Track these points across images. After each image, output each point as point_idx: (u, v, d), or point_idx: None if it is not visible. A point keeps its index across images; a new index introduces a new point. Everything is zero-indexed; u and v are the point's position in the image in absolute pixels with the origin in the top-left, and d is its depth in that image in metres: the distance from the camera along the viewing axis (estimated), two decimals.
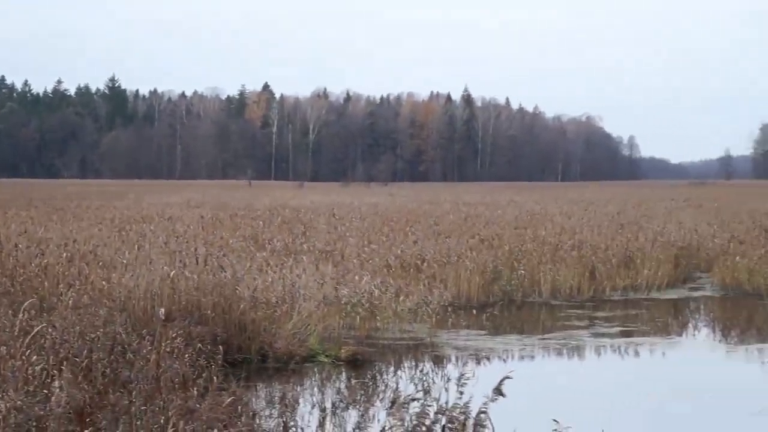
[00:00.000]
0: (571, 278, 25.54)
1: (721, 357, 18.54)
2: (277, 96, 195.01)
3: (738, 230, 34.14)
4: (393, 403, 9.90)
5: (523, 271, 25.05)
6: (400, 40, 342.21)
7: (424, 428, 9.09)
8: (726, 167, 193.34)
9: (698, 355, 18.75)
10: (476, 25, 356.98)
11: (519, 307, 23.98)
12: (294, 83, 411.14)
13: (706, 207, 54.09)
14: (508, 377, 10.07)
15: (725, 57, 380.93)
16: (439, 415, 9.43)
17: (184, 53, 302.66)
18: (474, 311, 21.88)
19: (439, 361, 17.56)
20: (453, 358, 17.80)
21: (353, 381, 15.99)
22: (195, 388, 11.18)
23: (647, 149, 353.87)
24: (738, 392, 15.41)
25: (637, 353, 18.53)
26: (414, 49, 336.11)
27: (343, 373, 16.53)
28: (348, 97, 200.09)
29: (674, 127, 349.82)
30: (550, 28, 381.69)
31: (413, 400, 9.51)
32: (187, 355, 13.10)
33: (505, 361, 17.70)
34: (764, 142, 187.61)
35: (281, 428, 10.74)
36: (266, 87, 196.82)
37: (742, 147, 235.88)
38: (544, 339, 19.76)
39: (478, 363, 17.37)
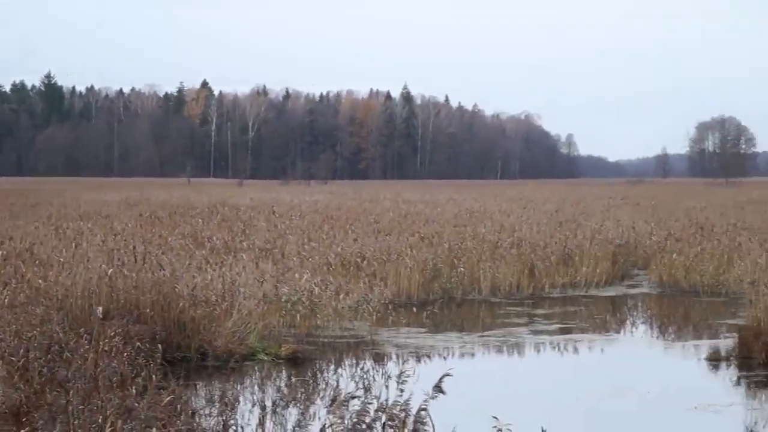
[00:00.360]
0: (511, 276, 25.69)
1: (659, 353, 18.72)
2: (216, 93, 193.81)
3: (674, 228, 34.50)
4: (333, 401, 9.88)
5: (462, 269, 25.15)
6: (340, 38, 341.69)
7: (364, 426, 9.06)
8: (663, 165, 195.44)
9: (636, 351, 18.92)
10: (415, 22, 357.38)
11: (459, 305, 24.06)
12: (233, 80, 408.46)
13: (643, 205, 54.63)
14: (448, 374, 10.07)
15: (662, 56, 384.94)
16: (380, 413, 9.41)
17: (122, 50, 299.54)
18: (414, 309, 21.92)
19: (379, 358, 17.56)
20: (393, 356, 17.81)
21: (293, 379, 15.94)
22: (133, 387, 11.06)
23: (585, 147, 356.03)
24: (675, 388, 15.56)
25: (576, 350, 18.65)
26: (354, 47, 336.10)
27: (284, 371, 16.48)
28: (287, 95, 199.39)
29: (612, 125, 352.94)
30: (489, 27, 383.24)
31: (353, 397, 9.49)
32: (125, 354, 12.96)
33: (445, 358, 17.74)
34: (700, 141, 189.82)
35: (221, 427, 10.67)
36: (205, 84, 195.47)
37: (679, 145, 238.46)
38: (483, 336, 19.83)
39: (419, 361, 17.38)
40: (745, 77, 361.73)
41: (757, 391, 15.24)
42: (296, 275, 20.77)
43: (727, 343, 17.99)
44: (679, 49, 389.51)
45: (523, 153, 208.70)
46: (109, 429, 9.23)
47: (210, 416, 12.10)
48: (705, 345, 18.52)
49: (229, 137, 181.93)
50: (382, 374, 16.17)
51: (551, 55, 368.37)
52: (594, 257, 27.85)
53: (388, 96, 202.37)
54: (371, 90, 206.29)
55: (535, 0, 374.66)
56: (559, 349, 18.81)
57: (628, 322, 22.86)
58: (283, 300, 18.95)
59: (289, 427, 10.95)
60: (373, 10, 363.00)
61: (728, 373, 16.52)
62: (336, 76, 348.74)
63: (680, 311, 24.13)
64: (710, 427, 13.30)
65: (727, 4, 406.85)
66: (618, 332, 21.16)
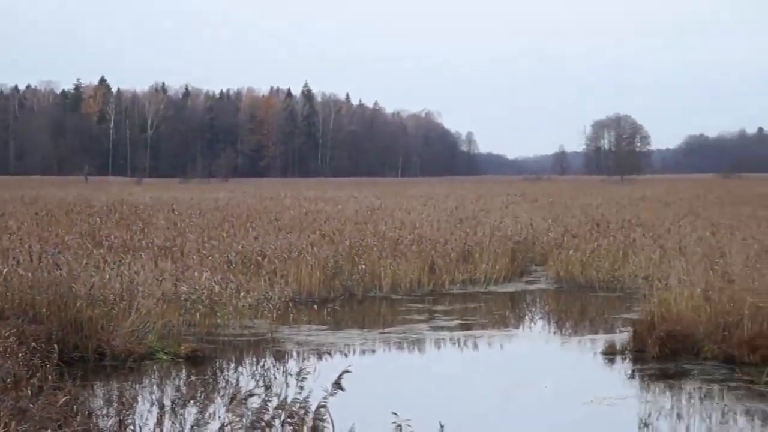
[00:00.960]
0: (411, 273, 25.84)
1: (556, 348, 18.97)
2: (114, 90, 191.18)
3: (571, 224, 35.06)
4: (232, 399, 9.83)
5: (363, 266, 25.23)
6: (240, 36, 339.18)
7: (263, 424, 9.04)
8: (560, 163, 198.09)
9: (534, 346, 19.16)
10: (315, 21, 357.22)
11: (360, 302, 24.13)
12: (132, 78, 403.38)
13: (541, 202, 55.34)
14: (347, 371, 10.11)
15: (560, 57, 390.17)
16: (279, 411, 9.41)
17: (17, 47, 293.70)
18: (315, 306, 21.96)
19: (280, 356, 17.53)
20: (294, 354, 17.78)
21: (193, 378, 15.81)
22: (28, 388, 10.88)
23: (485, 145, 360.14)
24: (572, 382, 15.79)
25: (475, 346, 18.81)
26: (254, 45, 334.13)
27: (183, 370, 16.35)
28: (187, 92, 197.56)
29: (510, 123, 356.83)
30: (387, 23, 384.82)
31: (252, 395, 9.48)
32: (20, 354, 12.75)
33: (346, 355, 17.78)
34: (596, 139, 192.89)
35: (118, 427, 10.55)
36: (103, 81, 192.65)
37: (576, 143, 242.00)
38: (384, 333, 19.91)
39: (320, 358, 17.39)
40: (640, 76, 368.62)
41: (651, 384, 15.55)
42: (196, 274, 20.65)
43: (621, 337, 18.32)
44: (575, 50, 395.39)
45: (423, 151, 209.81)
46: (3, 430, 9.07)
47: (107, 416, 11.94)
48: (601, 339, 18.84)
49: (128, 135, 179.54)
50: (283, 372, 16.14)
51: (451, 54, 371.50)
52: (493, 254, 28.15)
53: (289, 94, 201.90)
54: (272, 88, 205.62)
55: (442, 4, 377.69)
56: (458, 344, 18.95)
57: (526, 317, 23.14)
58: (182, 299, 18.81)
59: (188, 426, 10.85)
60: (272, 7, 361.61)
61: (623, 366, 16.82)
62: (236, 74, 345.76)
63: (577, 306, 24.50)
64: (605, 421, 13.52)
65: (621, 5, 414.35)
66: (517, 328, 21.41)
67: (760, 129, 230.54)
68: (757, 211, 41.05)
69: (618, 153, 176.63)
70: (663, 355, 16.88)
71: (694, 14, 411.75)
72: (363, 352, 18.23)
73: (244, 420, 9.00)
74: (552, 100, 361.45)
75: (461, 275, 26.84)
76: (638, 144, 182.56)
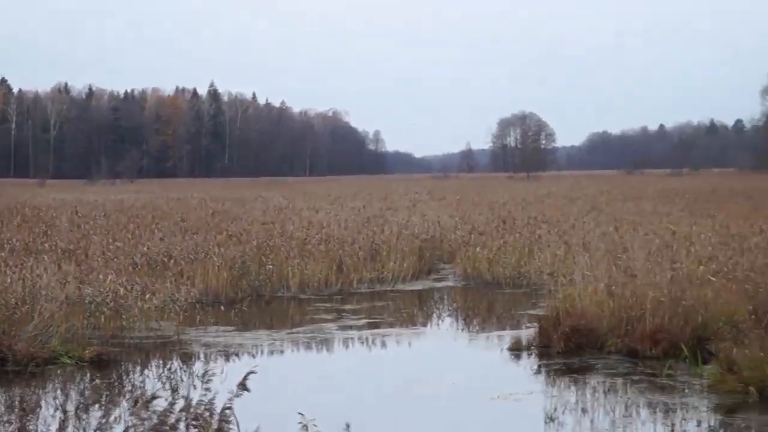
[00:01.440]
0: (319, 272, 25.82)
1: (464, 345, 19.10)
2: (15, 91, 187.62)
3: (478, 222, 35.32)
4: (136, 402, 9.71)
5: (271, 266, 25.14)
6: (145, 36, 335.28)
7: (167, 427, 8.94)
8: (467, 161, 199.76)
9: (442, 344, 19.27)
10: (220, 20, 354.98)
11: (268, 302, 24.04)
12: (33, 79, 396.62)
13: (448, 200, 55.66)
14: (253, 372, 10.04)
15: (463, 55, 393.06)
16: (184, 413, 9.31)
17: None
18: (222, 307, 21.83)
19: (187, 358, 17.39)
20: (201, 355, 17.65)
21: (98, 381, 15.60)
22: None
23: (392, 144, 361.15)
24: (479, 378, 15.91)
25: (383, 344, 18.85)
26: (159, 45, 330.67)
27: (88, 374, 16.12)
28: (91, 92, 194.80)
29: (417, 122, 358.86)
30: (293, 23, 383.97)
31: (156, 398, 9.36)
32: None
33: (254, 356, 17.70)
34: (502, 136, 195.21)
35: None
36: (3, 81, 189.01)
37: (482, 141, 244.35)
38: (292, 333, 19.86)
39: (227, 359, 17.29)
40: (546, 75, 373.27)
41: (556, 379, 15.73)
42: (100, 276, 20.35)
43: (528, 333, 18.52)
44: (480, 49, 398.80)
45: (331, 149, 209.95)
46: None
47: (8, 423, 11.74)
48: (507, 335, 19.00)
49: (30, 136, 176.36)
50: (189, 374, 16.03)
51: (356, 52, 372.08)
52: (401, 252, 28.25)
53: (195, 94, 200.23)
54: (177, 87, 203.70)
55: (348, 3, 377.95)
56: (367, 343, 18.99)
57: (434, 315, 23.26)
58: (86, 301, 18.53)
59: (91, 430, 10.72)
60: (177, 7, 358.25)
61: (529, 362, 16.99)
62: (141, 74, 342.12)
63: (484, 303, 24.70)
64: (512, 416, 13.67)
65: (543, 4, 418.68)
66: (425, 325, 21.51)
67: (661, 126, 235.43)
68: (657, 206, 41.82)
69: (524, 150, 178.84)
70: (568, 350, 17.10)
71: (598, 17, 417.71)
72: (271, 352, 18.16)
73: (146, 423, 8.88)
74: (458, 99, 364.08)
75: (369, 274, 26.89)
76: (543, 141, 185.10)
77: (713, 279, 18.01)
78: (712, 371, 14.78)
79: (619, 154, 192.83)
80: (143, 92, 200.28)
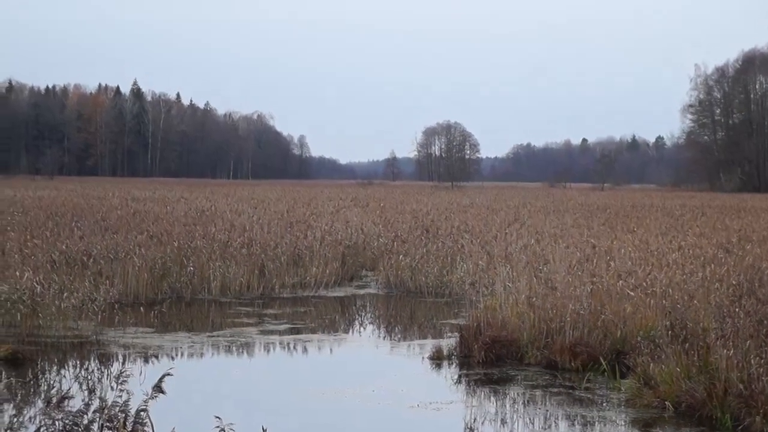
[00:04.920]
0: (241, 276, 25.67)
1: (385, 353, 19.07)
2: None
3: (401, 230, 35.39)
4: (48, 401, 9.55)
5: (192, 268, 24.95)
6: (67, 30, 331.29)
7: (81, 428, 8.81)
8: (392, 168, 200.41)
9: (363, 351, 19.22)
10: (146, 19, 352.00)
11: (188, 305, 23.84)
12: None
13: (372, 206, 55.67)
14: (168, 374, 9.95)
15: (391, 64, 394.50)
16: (98, 414, 9.18)
17: None
18: (142, 309, 21.57)
19: (104, 359, 17.16)
20: (119, 356, 17.43)
21: (12, 380, 15.32)
22: None
23: (317, 149, 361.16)
24: (399, 387, 15.88)
25: (304, 350, 18.78)
26: (81, 41, 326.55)
27: (2, 373, 15.83)
28: (11, 87, 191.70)
29: (343, 129, 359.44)
30: (218, 26, 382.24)
31: (69, 398, 9.22)
32: None
33: (173, 358, 17.51)
34: (427, 145, 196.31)
35: None
36: None
37: (407, 150, 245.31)
38: (212, 336, 19.71)
39: (146, 361, 17.09)
40: (472, 86, 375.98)
41: (476, 389, 15.79)
42: (17, 273, 20.06)
43: (449, 342, 18.57)
44: (410, 58, 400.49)
45: (255, 153, 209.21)
46: None
47: None
48: (429, 344, 19.03)
49: None
50: (107, 375, 15.83)
51: (283, 56, 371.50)
52: (324, 258, 28.20)
53: (118, 91, 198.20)
54: (100, 85, 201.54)
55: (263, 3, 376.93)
56: (287, 348, 18.90)
57: (356, 322, 23.21)
58: (2, 298, 18.26)
59: (4, 429, 10.52)
60: (104, 8, 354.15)
61: (450, 371, 17.03)
62: (63, 69, 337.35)
63: (406, 311, 24.72)
64: (431, 425, 13.68)
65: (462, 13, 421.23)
66: (346, 332, 21.45)
67: (584, 140, 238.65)
68: (579, 220, 42.22)
69: (448, 160, 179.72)
70: (488, 361, 17.19)
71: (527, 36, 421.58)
72: (190, 355, 17.99)
73: (58, 423, 8.73)
74: (384, 107, 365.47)
75: (291, 279, 26.80)
76: (468, 151, 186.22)
77: (632, 294, 18.19)
78: (629, 385, 14.96)
79: (542, 166, 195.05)
80: (65, 89, 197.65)
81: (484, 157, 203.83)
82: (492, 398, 15.13)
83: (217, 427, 9.08)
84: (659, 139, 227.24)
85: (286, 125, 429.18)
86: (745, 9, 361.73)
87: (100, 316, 19.07)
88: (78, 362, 17.03)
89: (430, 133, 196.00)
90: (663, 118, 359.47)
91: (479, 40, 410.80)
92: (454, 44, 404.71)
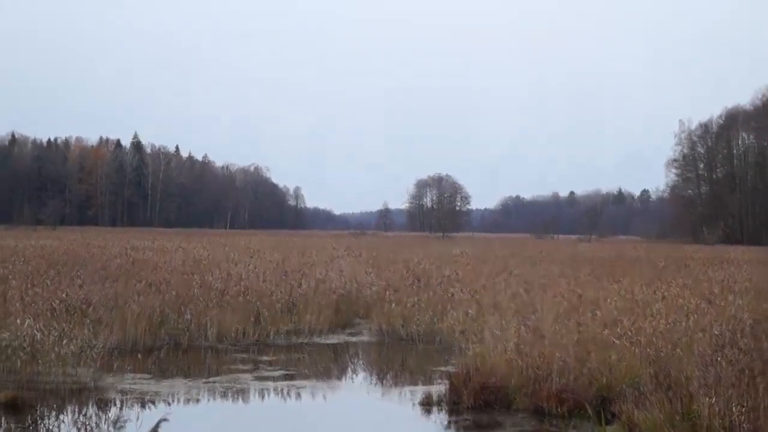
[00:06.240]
0: (237, 323, 26.08)
1: (377, 399, 19.37)
2: None
3: (393, 279, 35.78)
4: None
5: (189, 316, 25.36)
6: (68, 85, 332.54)
7: None
8: (384, 219, 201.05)
9: (356, 397, 19.54)
10: (134, 71, 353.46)
11: (185, 351, 24.19)
12: None
13: (365, 256, 55.99)
14: (165, 420, 10.27)
15: (382, 116, 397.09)
16: None
17: None
18: (140, 355, 21.93)
19: (102, 405, 17.48)
20: (117, 402, 17.76)
21: (12, 426, 15.68)
22: None
23: (312, 200, 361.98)
24: (391, 431, 16.25)
25: (298, 396, 19.11)
26: (82, 95, 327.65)
27: (2, 418, 16.18)
28: (14, 140, 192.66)
29: (337, 180, 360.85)
30: (210, 78, 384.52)
31: None
32: None
33: (169, 404, 17.86)
34: (418, 197, 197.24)
35: None
36: None
37: (399, 201, 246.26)
38: (209, 382, 20.07)
39: (143, 407, 17.42)
40: (461, 139, 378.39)
41: None
42: (18, 321, 20.40)
43: (439, 388, 18.89)
44: (398, 109, 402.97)
45: (252, 204, 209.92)
46: None
47: None
48: (419, 391, 19.35)
49: None
50: (105, 420, 16.13)
51: (275, 111, 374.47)
52: (317, 306, 28.64)
53: (118, 144, 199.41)
54: (101, 138, 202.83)
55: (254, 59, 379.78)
56: (281, 395, 19.25)
57: (349, 368, 23.59)
58: (2, 345, 18.61)
59: None
60: (97, 55, 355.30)
61: (439, 417, 17.34)
62: (64, 123, 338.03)
63: (398, 358, 25.08)
64: None
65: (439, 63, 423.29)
66: (339, 379, 21.83)
67: (572, 193, 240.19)
68: (566, 270, 42.59)
69: (439, 211, 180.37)
70: (477, 407, 17.52)
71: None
72: (187, 401, 18.34)
73: None
74: (377, 159, 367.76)
75: (286, 326, 27.20)
76: (459, 203, 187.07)
77: (617, 342, 18.56)
78: (614, 431, 15.27)
79: (531, 218, 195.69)
80: (67, 141, 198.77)
81: (474, 208, 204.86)
82: None
83: None
84: (644, 192, 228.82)
85: (282, 177, 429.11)
86: (733, 67, 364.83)
87: (98, 363, 19.35)
88: (76, 408, 17.35)
89: (421, 185, 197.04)
90: (648, 172, 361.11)
91: (471, 95, 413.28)
92: (443, 101, 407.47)
